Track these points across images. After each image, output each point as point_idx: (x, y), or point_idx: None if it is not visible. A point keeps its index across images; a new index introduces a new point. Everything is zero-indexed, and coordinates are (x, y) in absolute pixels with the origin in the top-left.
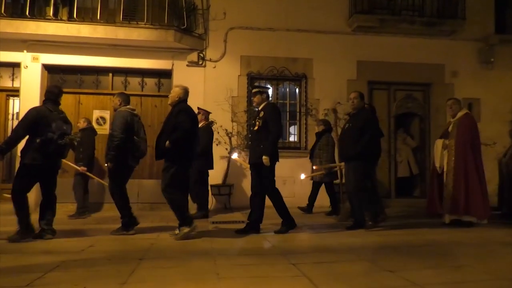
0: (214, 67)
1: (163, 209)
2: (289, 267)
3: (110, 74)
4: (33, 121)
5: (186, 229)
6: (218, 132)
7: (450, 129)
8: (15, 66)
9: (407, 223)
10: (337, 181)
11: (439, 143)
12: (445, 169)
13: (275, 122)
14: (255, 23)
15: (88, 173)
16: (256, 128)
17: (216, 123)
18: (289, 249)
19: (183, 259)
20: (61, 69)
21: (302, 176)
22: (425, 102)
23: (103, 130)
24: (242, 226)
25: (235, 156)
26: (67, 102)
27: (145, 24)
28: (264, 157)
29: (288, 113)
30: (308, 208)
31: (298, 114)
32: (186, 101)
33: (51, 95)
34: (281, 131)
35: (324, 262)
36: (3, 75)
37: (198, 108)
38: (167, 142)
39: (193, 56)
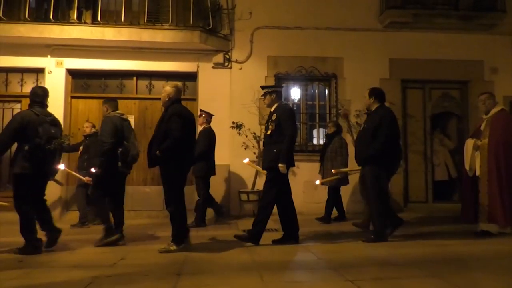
0: (240, 68)
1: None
2: (347, 285)
3: (135, 78)
4: (18, 127)
5: (173, 247)
6: (247, 136)
7: (482, 127)
8: (39, 71)
9: (445, 230)
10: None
11: (469, 143)
12: (477, 173)
13: (289, 124)
14: (282, 22)
15: None
16: (269, 132)
17: (244, 126)
18: (338, 262)
19: (225, 274)
20: (85, 73)
21: (317, 182)
22: (462, 101)
23: None
24: (275, 234)
25: (246, 160)
26: (91, 107)
27: (169, 26)
28: (280, 165)
29: (318, 115)
30: (341, 216)
31: (328, 116)
32: (180, 101)
33: (37, 97)
34: (296, 133)
35: (386, 279)
36: (27, 81)
37: (200, 110)
38: (158, 151)
39: (219, 58)
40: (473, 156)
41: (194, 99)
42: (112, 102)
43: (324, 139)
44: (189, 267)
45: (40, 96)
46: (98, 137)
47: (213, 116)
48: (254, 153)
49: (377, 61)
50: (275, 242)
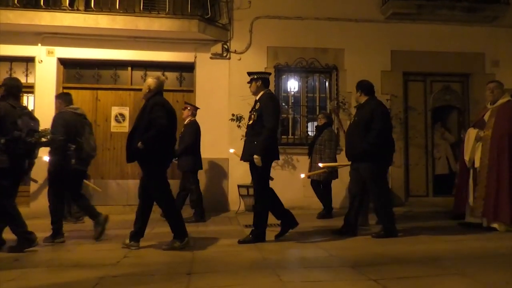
0: (239, 59)
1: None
2: (371, 284)
3: (129, 68)
4: None
5: (177, 243)
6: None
7: (486, 117)
8: (29, 60)
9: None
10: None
11: (472, 133)
12: (476, 165)
13: (270, 116)
14: (282, 12)
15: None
16: (250, 122)
17: (244, 118)
18: (353, 259)
19: (239, 274)
20: (77, 63)
21: (302, 175)
22: (463, 94)
23: (122, 127)
24: (278, 229)
25: (232, 150)
26: (84, 99)
27: (166, 14)
28: (255, 156)
29: (318, 108)
30: (327, 211)
31: (328, 108)
32: (161, 93)
33: (12, 88)
34: (276, 127)
35: (411, 278)
36: (17, 71)
37: (185, 103)
38: (139, 143)
39: (217, 48)
40: (474, 147)
41: (192, 91)
42: (65, 97)
43: (315, 131)
44: (199, 266)
45: (16, 87)
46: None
47: (198, 109)
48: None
49: (378, 53)
50: (278, 236)
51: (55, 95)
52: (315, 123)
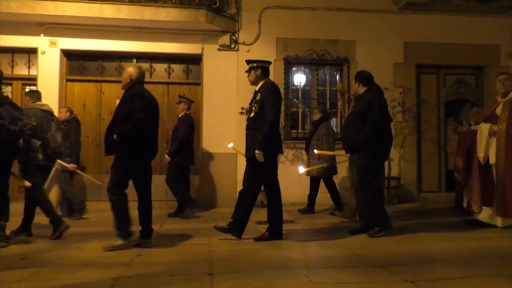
0: (248, 51)
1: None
2: (408, 286)
3: (134, 60)
4: None
5: (119, 242)
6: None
7: (498, 111)
8: (31, 52)
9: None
10: None
11: (484, 128)
12: (492, 161)
13: (272, 107)
14: (292, 2)
15: (78, 171)
16: (252, 114)
17: None
18: (381, 258)
19: (264, 274)
20: (81, 55)
21: (301, 170)
22: (477, 87)
23: None
24: (291, 226)
25: (231, 145)
26: (88, 92)
27: (173, 4)
28: (256, 151)
29: (328, 101)
30: (310, 208)
31: (339, 102)
32: (142, 83)
33: None
34: (278, 119)
35: (447, 279)
36: (19, 62)
37: (180, 97)
38: (115, 136)
39: (225, 39)
40: (488, 143)
41: (199, 84)
42: (34, 94)
43: (311, 126)
44: (219, 266)
45: (1, 78)
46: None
47: (193, 103)
48: None
49: (391, 45)
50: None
51: (25, 92)
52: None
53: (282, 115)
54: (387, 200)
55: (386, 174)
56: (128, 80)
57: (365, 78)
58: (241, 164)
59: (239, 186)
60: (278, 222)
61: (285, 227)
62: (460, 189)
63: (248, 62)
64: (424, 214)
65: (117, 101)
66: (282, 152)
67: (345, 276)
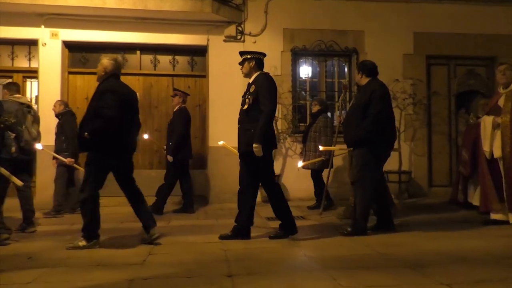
0: (254, 42)
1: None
2: None
3: (138, 52)
4: None
5: (83, 243)
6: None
7: (501, 102)
8: (32, 43)
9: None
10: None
11: (487, 121)
12: (497, 154)
13: (268, 99)
14: None
15: (76, 166)
16: (245, 107)
17: None
18: (406, 258)
19: (288, 275)
20: (83, 46)
21: (300, 164)
22: (488, 79)
23: None
24: (302, 222)
25: (221, 142)
26: (90, 84)
27: None
28: (254, 145)
29: (336, 93)
30: (319, 204)
31: (348, 94)
32: (118, 76)
33: None
34: (275, 109)
35: (486, 281)
36: (19, 54)
37: (174, 89)
38: (86, 133)
39: (231, 30)
40: (492, 136)
41: (204, 76)
42: (11, 86)
43: (310, 118)
44: (237, 266)
45: None
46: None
47: (188, 96)
48: None
49: (400, 35)
50: (222, 237)
51: (3, 85)
52: (336, 112)
53: (290, 108)
54: (398, 194)
55: (397, 168)
56: (103, 73)
57: (367, 68)
58: None
59: None
60: (288, 217)
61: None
62: (464, 183)
63: (241, 53)
64: (437, 209)
65: None
66: (276, 147)
67: (375, 278)
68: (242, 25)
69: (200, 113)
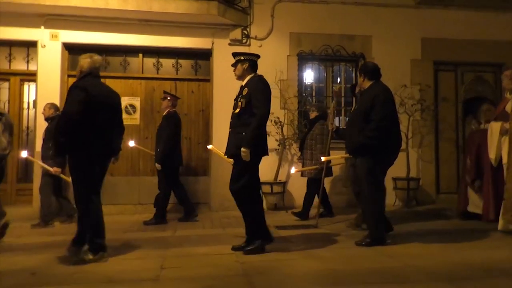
0: (260, 46)
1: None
2: None
3: (140, 55)
4: None
5: (89, 257)
6: (272, 121)
7: (508, 108)
8: (31, 45)
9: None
10: None
11: (495, 127)
12: (504, 161)
13: (261, 102)
14: None
15: (63, 176)
16: (237, 110)
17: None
18: (440, 271)
19: None
20: (83, 48)
21: (293, 170)
22: (496, 85)
23: (133, 120)
24: (315, 231)
25: (210, 146)
26: None
27: None
28: (242, 149)
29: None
30: (328, 212)
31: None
32: (96, 75)
33: None
34: (268, 113)
35: None
36: (17, 56)
37: (164, 93)
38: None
39: (236, 33)
40: (500, 143)
41: (208, 80)
42: None
43: (307, 124)
44: (259, 281)
45: None
46: None
47: (178, 99)
48: (276, 140)
49: (408, 40)
50: (238, 248)
51: None
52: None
53: (295, 113)
54: (406, 201)
55: (404, 175)
56: (79, 73)
57: (369, 70)
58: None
59: None
60: (260, 231)
61: (309, 232)
62: (465, 191)
63: (234, 54)
64: (447, 217)
65: (122, 98)
66: (267, 154)
67: None
68: (248, 29)
69: (203, 118)
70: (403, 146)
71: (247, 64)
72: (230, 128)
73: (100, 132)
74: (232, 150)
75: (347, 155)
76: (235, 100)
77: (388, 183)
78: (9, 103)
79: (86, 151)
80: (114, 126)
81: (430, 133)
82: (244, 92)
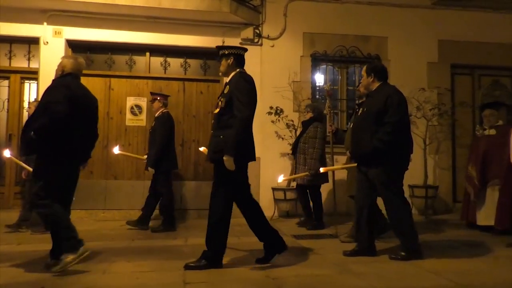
0: (272, 46)
1: None
2: None
3: (147, 54)
4: None
5: (70, 257)
6: (285, 122)
7: None
8: (32, 42)
9: None
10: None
11: None
12: None
13: (243, 102)
14: None
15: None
16: (216, 110)
17: (284, 111)
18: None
19: None
20: (88, 46)
21: (280, 179)
22: None
23: (139, 121)
24: (335, 241)
25: (202, 148)
26: (95, 87)
27: None
28: (225, 157)
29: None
30: (317, 222)
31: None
32: (77, 76)
33: None
34: (251, 116)
35: None
36: (17, 54)
37: (152, 94)
38: (32, 132)
39: (248, 33)
40: None
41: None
42: None
43: (301, 126)
44: None
45: None
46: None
47: (168, 97)
48: (289, 144)
49: (425, 42)
50: (261, 261)
51: None
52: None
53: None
54: (423, 210)
55: (422, 182)
56: (60, 73)
57: (379, 70)
58: (265, 168)
59: (262, 195)
60: (217, 247)
61: (328, 242)
62: (468, 203)
63: (218, 48)
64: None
65: (128, 98)
66: (253, 159)
67: None
68: (260, 28)
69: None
70: (421, 152)
71: (232, 59)
72: (212, 130)
73: (74, 135)
74: (209, 155)
75: (350, 164)
76: (218, 98)
77: (405, 191)
78: (8, 102)
79: (57, 153)
80: (89, 132)
81: (447, 139)
82: (226, 91)
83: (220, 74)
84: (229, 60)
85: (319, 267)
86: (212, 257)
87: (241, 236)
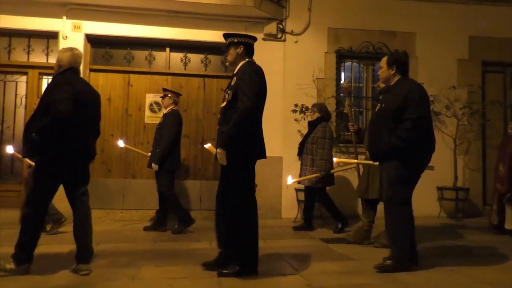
0: (296, 41)
1: None
2: None
3: (167, 49)
4: None
5: (11, 266)
6: (305, 118)
7: None
8: (51, 36)
9: None
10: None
11: None
12: None
13: (246, 93)
14: None
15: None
16: (223, 104)
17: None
18: None
19: None
20: (107, 41)
21: (289, 181)
22: None
23: (158, 119)
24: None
25: (208, 145)
26: (113, 83)
27: None
28: (218, 150)
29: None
30: (307, 224)
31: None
32: (76, 70)
33: None
34: (254, 107)
35: None
36: (35, 48)
37: (164, 90)
38: (34, 133)
39: (271, 28)
40: None
41: None
42: None
43: (308, 126)
44: None
45: None
46: None
47: (180, 96)
48: None
49: (455, 39)
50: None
51: None
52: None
53: (333, 114)
54: (452, 214)
55: (451, 184)
56: (57, 67)
57: (402, 62)
58: (287, 170)
59: (285, 196)
60: (249, 252)
61: (361, 247)
62: (501, 203)
63: (226, 36)
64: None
65: (147, 95)
66: (264, 157)
67: None
68: (283, 23)
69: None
70: (451, 153)
71: (241, 48)
72: (218, 125)
73: (78, 133)
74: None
75: (365, 161)
76: (224, 91)
77: (433, 193)
78: (26, 98)
79: (59, 152)
80: (91, 129)
81: (477, 139)
82: (233, 82)
83: (227, 64)
84: (238, 49)
85: (361, 275)
86: (246, 263)
87: (266, 239)
